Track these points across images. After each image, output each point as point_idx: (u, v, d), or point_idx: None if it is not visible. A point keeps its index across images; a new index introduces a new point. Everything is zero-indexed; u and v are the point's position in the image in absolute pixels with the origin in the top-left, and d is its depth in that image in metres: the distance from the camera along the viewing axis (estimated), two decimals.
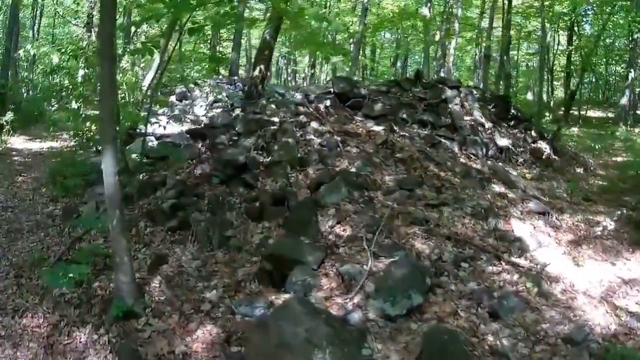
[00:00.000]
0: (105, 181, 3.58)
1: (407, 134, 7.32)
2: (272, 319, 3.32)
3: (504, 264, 4.79)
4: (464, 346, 3.36)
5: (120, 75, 11.51)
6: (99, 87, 3.57)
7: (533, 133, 9.97)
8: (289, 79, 22.26)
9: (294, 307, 3.36)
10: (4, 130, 10.56)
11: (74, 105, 11.22)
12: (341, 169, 5.67)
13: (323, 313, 3.45)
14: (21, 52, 11.93)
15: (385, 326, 3.59)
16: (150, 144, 9.65)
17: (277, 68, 23.81)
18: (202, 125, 7.89)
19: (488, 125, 9.02)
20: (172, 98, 12.18)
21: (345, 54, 8.69)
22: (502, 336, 3.64)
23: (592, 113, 18.11)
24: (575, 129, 14.61)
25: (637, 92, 15.85)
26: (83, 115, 9.00)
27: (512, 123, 9.86)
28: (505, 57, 13.17)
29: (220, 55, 15.85)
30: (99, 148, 9.32)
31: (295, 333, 3.15)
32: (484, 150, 7.94)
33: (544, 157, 9.44)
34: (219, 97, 12.51)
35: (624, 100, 14.80)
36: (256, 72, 8.61)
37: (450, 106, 8.49)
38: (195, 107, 11.82)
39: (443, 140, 7.55)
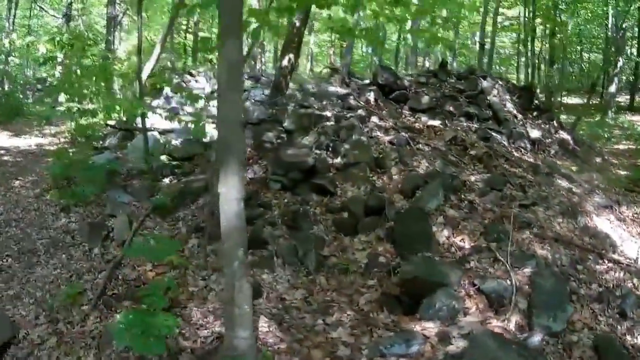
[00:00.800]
0: (225, 209, 2.54)
1: (459, 128, 6.68)
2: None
3: (607, 262, 4.46)
4: (625, 351, 3.26)
5: (117, 65, 10.21)
6: (221, 80, 2.52)
7: (555, 123, 9.68)
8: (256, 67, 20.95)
9: (485, 342, 2.71)
10: None
11: (62, 98, 9.72)
12: (432, 169, 4.91)
13: (512, 343, 2.81)
14: (6, 42, 10.20)
15: (555, 344, 3.18)
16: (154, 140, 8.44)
17: None
18: None
19: (519, 116, 8.60)
20: (167, 90, 11.01)
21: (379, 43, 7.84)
22: (637, 334, 3.47)
23: (569, 100, 18.33)
24: (564, 117, 14.66)
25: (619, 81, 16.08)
26: (78, 110, 7.74)
27: (535, 114, 9.50)
28: (530, 48, 12.89)
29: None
30: (99, 145, 8.08)
31: None
32: (526, 143, 7.47)
33: (570, 147, 9.17)
34: (216, 87, 11.43)
35: (612, 88, 14.99)
36: (284, 62, 7.59)
37: (488, 98, 7.94)
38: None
39: (494, 134, 6.97)
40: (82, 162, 6.59)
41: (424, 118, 6.58)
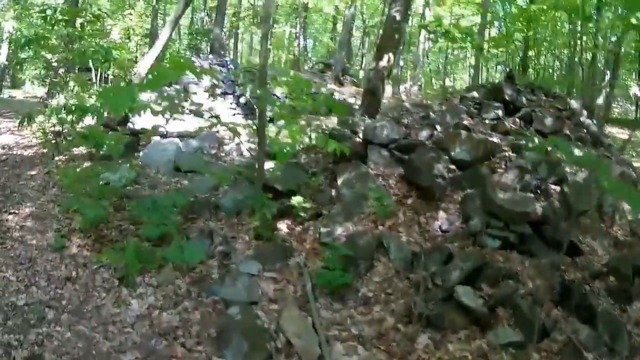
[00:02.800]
0: None
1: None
2: None
3: None
4: None
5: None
6: None
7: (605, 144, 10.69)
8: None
9: None
10: None
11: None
12: None
13: None
14: None
15: None
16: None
17: None
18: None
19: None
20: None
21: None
22: None
23: None
24: None
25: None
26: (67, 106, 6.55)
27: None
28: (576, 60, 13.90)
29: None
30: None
31: None
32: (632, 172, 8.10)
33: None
34: (214, 82, 10.56)
35: (600, 100, 17.05)
36: (383, 62, 7.13)
37: (582, 119, 8.41)
38: (192, 94, 9.58)
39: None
40: (139, 199, 5.24)
41: None
